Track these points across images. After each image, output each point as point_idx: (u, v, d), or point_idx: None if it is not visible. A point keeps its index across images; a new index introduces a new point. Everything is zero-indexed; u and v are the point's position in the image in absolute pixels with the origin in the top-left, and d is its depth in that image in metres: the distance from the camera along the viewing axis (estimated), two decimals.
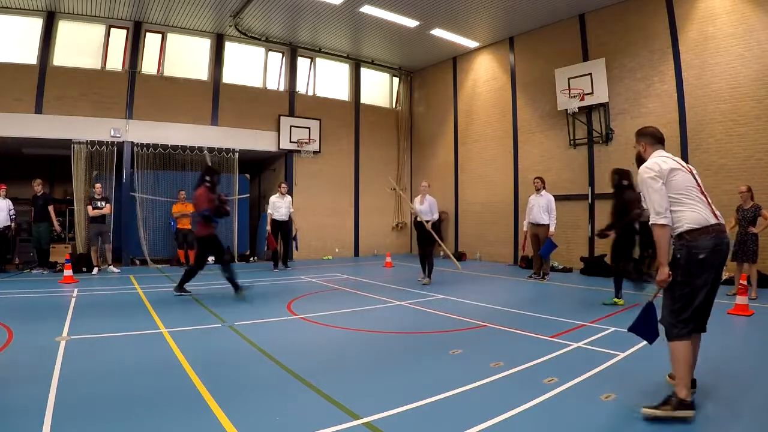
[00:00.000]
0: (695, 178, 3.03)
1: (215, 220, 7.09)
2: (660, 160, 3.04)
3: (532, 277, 9.13)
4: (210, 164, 7.28)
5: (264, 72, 13.24)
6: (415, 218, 8.82)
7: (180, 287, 7.09)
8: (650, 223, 2.97)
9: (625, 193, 6.35)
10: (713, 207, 2.98)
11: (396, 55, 14.46)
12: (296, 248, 10.35)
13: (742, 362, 4.08)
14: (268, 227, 10.37)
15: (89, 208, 9.87)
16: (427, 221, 8.52)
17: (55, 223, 10.12)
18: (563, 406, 2.96)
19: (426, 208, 8.64)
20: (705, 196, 2.98)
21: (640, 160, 3.24)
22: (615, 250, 6.47)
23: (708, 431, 2.72)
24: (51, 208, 10.03)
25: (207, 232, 7.01)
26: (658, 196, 2.93)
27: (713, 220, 2.89)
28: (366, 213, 14.62)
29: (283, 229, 10.60)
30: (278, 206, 10.39)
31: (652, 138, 3.25)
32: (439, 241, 9.01)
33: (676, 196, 2.94)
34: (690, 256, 2.85)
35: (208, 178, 7.13)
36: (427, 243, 8.68)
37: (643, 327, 3.09)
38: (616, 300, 6.46)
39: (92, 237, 9.97)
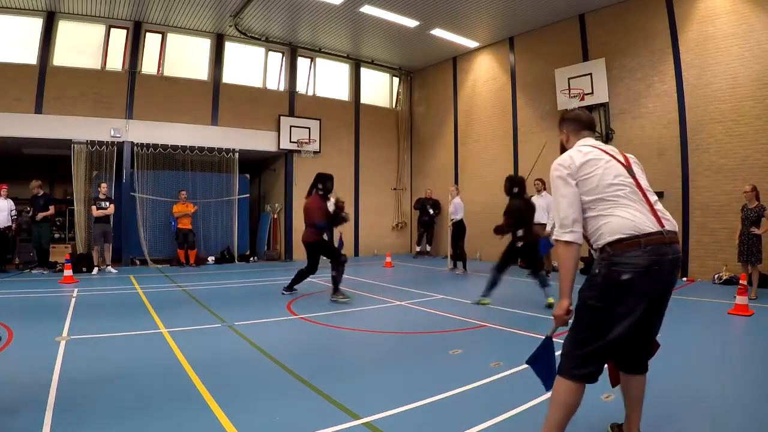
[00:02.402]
0: (631, 170, 2.26)
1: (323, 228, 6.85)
2: (575, 151, 2.31)
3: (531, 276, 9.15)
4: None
5: (264, 72, 13.23)
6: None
7: (290, 287, 7.26)
8: (553, 238, 2.27)
9: (511, 202, 6.48)
10: (659, 210, 2.19)
11: (396, 55, 14.46)
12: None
13: (740, 363, 4.08)
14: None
15: (93, 208, 9.87)
16: (451, 220, 10.17)
17: (40, 215, 9.74)
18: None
19: (451, 209, 10.31)
20: (644, 195, 2.20)
21: (563, 152, 2.46)
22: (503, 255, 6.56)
23: None
24: (52, 208, 10.03)
25: (315, 238, 6.84)
26: (565, 203, 2.20)
27: (651, 228, 2.09)
28: (366, 213, 14.60)
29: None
30: None
31: (576, 123, 2.47)
32: (449, 239, 10.02)
33: (596, 197, 2.18)
34: (610, 276, 2.10)
35: (320, 185, 6.91)
36: (456, 238, 10.30)
37: (540, 365, 2.40)
38: (483, 300, 6.48)
39: (96, 237, 9.99)
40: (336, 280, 6.81)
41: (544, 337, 2.42)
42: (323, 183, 6.94)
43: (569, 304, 2.23)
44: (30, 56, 10.46)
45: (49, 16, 10.54)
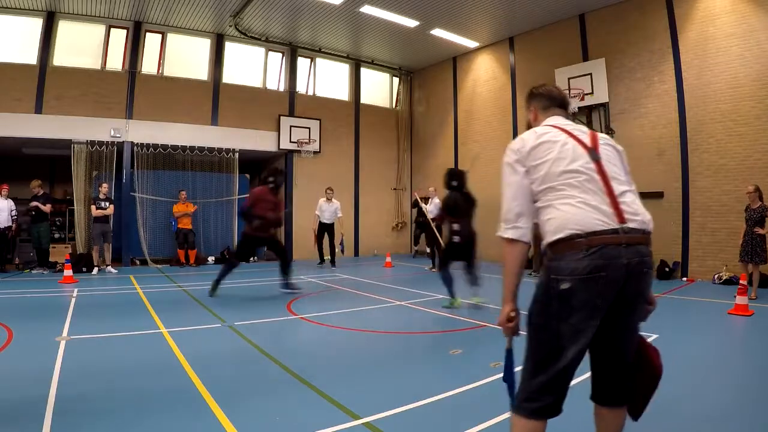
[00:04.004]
0: (595, 153, 1.82)
1: (253, 220, 6.91)
2: (530, 132, 1.94)
3: (532, 275, 9.19)
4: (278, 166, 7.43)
5: (264, 72, 13.23)
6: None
7: (216, 282, 7.01)
8: (497, 233, 1.90)
9: (447, 195, 6.36)
10: (624, 203, 1.74)
11: (396, 55, 14.46)
12: (342, 251, 11.66)
13: (740, 363, 4.07)
14: (314, 227, 11.30)
15: (93, 208, 9.88)
16: (432, 219, 10.24)
17: (33, 203, 9.72)
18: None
19: (432, 208, 10.48)
20: (606, 183, 1.76)
21: None
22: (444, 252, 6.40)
23: None
24: (48, 206, 10.01)
25: (247, 230, 7.00)
26: (509, 194, 1.87)
27: (601, 225, 1.68)
28: (366, 213, 14.61)
29: (329, 230, 11.34)
30: (324, 209, 11.28)
31: (545, 99, 2.09)
32: (438, 237, 10.00)
33: (545, 187, 1.80)
34: (549, 286, 1.75)
35: (271, 179, 7.07)
36: (433, 238, 10.26)
37: (508, 381, 2.11)
38: (452, 301, 6.28)
39: (95, 237, 10.00)
40: (219, 276, 6.88)
41: (505, 350, 2.10)
42: (275, 177, 7.11)
43: (510, 309, 1.91)
44: (30, 56, 10.46)
45: (49, 16, 10.54)
